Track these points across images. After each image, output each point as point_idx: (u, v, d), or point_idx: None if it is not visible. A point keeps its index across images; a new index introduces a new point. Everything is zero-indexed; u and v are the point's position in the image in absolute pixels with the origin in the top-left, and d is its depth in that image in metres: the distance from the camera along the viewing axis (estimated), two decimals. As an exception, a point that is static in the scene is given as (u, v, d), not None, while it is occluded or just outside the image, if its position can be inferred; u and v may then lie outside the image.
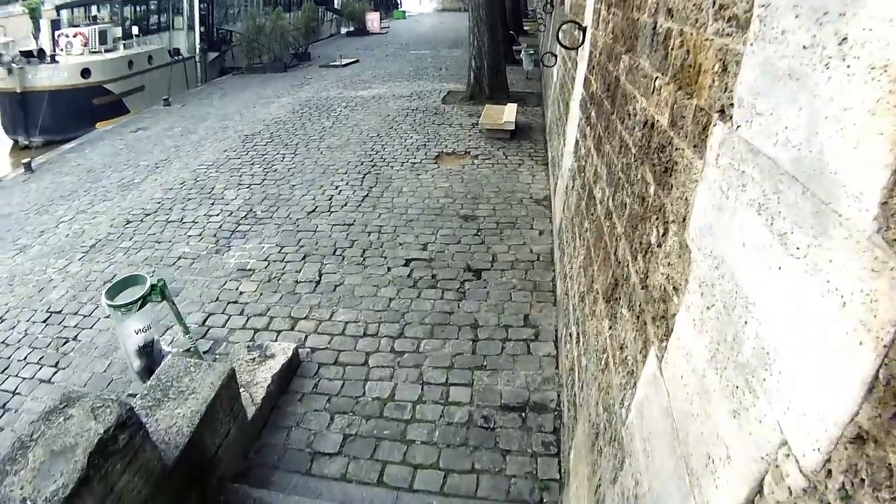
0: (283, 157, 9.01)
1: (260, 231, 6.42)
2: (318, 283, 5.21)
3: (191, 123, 12.26)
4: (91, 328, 4.86)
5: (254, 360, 3.95)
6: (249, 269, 5.54)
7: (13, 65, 15.72)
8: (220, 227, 6.60)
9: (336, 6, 35.48)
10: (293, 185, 7.75)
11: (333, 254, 5.76)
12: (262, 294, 5.08)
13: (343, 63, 18.52)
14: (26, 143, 16.08)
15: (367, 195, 7.27)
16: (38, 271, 5.99)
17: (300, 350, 4.22)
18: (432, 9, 54.67)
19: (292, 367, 4.01)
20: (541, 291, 4.87)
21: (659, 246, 1.52)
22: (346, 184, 7.69)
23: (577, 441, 2.56)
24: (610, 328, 2.06)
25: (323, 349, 4.26)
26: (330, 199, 7.18)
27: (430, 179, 7.71)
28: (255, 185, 7.84)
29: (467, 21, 11.98)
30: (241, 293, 5.12)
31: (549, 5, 10.38)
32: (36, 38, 21.59)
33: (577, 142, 4.08)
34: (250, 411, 3.51)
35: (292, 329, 4.53)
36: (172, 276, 5.49)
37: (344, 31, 31.92)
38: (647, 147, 1.79)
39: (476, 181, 7.56)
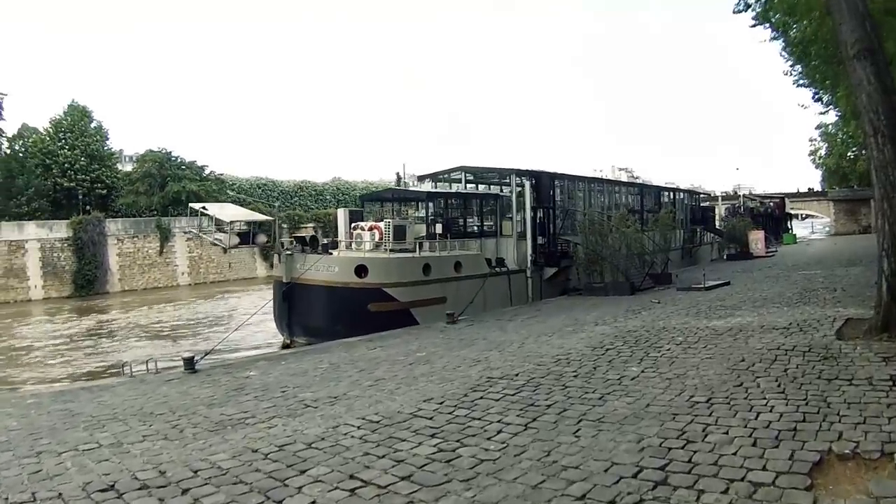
0: (499, 431, 4.47)
1: None
2: None
3: (442, 349, 8.95)
4: None
5: None
6: None
7: (284, 251, 13.79)
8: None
9: (717, 226, 33.05)
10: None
11: None
12: None
13: (707, 285, 13.88)
14: (287, 342, 13.71)
15: None
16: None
17: None
18: (824, 233, 56.83)
19: None
20: None
21: None
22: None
23: None
24: None
25: None
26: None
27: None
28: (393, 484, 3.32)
29: (875, 241, 7.37)
30: None
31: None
32: (334, 230, 19.44)
33: None
34: None
35: None
36: None
37: (724, 255, 28.82)
38: None
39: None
